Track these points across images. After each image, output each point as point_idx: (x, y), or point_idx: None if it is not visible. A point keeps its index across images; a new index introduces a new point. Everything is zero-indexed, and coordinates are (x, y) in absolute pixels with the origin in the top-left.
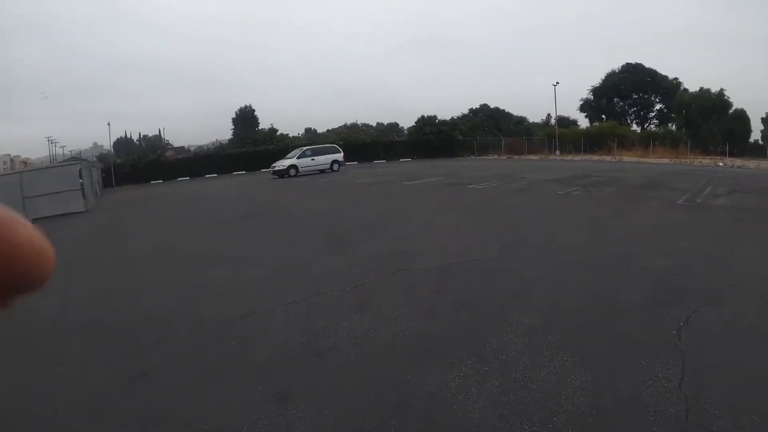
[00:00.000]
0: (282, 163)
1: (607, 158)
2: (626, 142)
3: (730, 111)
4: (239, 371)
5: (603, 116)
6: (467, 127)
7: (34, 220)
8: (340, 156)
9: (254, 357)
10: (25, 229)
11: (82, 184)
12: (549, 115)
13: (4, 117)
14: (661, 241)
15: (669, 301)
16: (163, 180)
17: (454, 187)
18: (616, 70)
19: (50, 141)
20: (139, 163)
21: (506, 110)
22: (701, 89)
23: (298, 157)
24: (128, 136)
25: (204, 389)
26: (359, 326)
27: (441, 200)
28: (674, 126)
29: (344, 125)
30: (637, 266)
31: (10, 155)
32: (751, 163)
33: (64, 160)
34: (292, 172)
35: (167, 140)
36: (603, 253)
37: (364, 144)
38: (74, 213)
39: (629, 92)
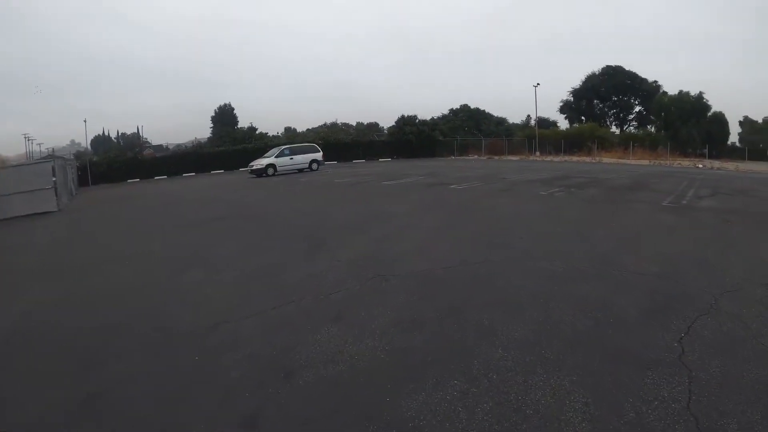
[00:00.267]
0: (260, 162)
1: (587, 159)
2: (606, 144)
3: (709, 114)
4: (202, 392)
5: (582, 118)
6: (447, 127)
7: (6, 220)
8: (319, 155)
9: (219, 375)
10: None
11: (55, 183)
12: (529, 116)
13: None
14: (651, 245)
15: (667, 309)
16: (140, 179)
17: (435, 187)
18: (596, 72)
19: (27, 138)
20: (116, 161)
21: (486, 111)
22: (680, 92)
23: (276, 156)
24: (106, 133)
25: (162, 413)
26: (334, 340)
27: (422, 201)
28: (653, 128)
29: (324, 125)
30: (629, 271)
31: None
32: (730, 165)
33: (40, 158)
34: (270, 171)
35: (146, 138)
36: (593, 258)
37: (343, 143)
38: (47, 212)
39: (609, 94)
